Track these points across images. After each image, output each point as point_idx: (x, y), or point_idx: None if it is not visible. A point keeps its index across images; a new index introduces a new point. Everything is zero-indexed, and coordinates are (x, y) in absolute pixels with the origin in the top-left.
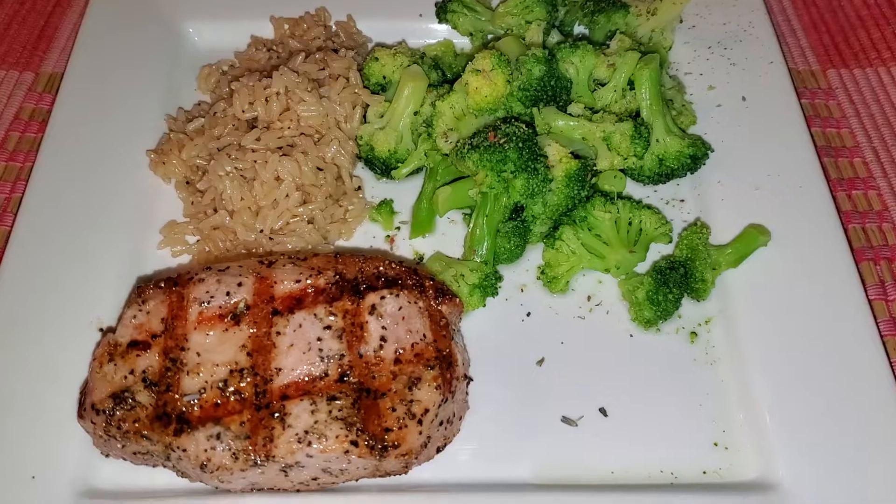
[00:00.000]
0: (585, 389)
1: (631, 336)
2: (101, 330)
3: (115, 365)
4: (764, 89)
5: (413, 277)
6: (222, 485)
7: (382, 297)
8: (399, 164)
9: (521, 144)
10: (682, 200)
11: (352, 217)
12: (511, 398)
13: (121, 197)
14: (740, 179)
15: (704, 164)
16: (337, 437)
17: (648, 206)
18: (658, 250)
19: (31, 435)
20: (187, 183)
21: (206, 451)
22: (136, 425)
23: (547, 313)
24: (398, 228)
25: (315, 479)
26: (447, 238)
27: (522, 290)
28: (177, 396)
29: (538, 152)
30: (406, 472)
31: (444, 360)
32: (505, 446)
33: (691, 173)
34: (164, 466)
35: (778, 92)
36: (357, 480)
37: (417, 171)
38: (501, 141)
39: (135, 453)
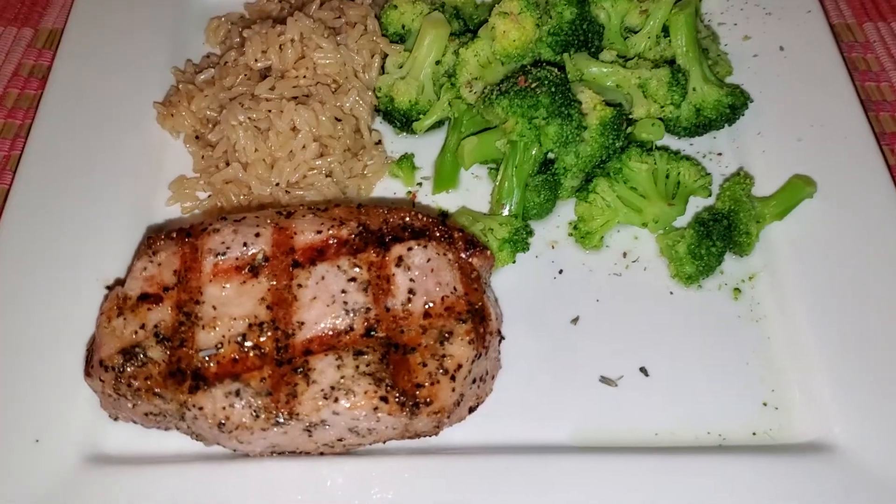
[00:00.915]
0: (624, 348)
1: (671, 293)
2: (107, 288)
3: (125, 319)
4: (802, 39)
5: (441, 228)
6: (241, 446)
7: (410, 249)
8: (420, 116)
9: (553, 89)
10: (720, 154)
11: (371, 172)
12: (545, 357)
13: (126, 152)
14: (781, 130)
15: (743, 114)
16: (365, 392)
17: (687, 157)
18: (696, 205)
19: (34, 396)
20: (197, 137)
21: (224, 408)
22: (149, 382)
23: (580, 270)
24: (420, 184)
25: (341, 440)
26: (472, 194)
27: (553, 247)
28: (192, 352)
29: (571, 97)
30: (437, 434)
31: (476, 314)
32: (541, 407)
33: (729, 125)
34: (178, 429)
35: (817, 41)
36: (385, 442)
37: (439, 124)
38: (533, 85)
39: (146, 414)
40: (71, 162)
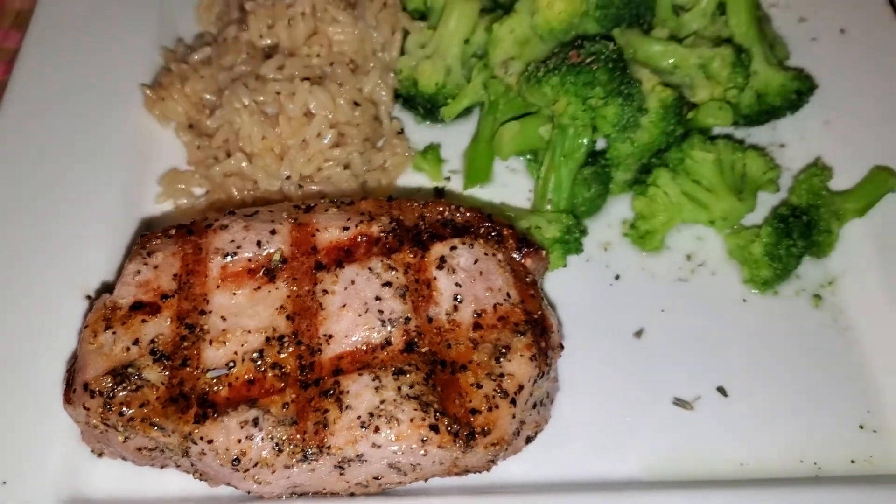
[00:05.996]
0: (698, 365)
1: (744, 301)
2: (89, 298)
3: (115, 333)
4: (864, 21)
5: (487, 225)
6: (257, 488)
7: (453, 248)
8: (448, 101)
9: (611, 65)
10: (783, 146)
11: (393, 165)
12: (608, 377)
13: (109, 143)
14: (852, 118)
15: (808, 101)
16: (412, 420)
17: (753, 147)
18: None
19: (1, 427)
20: (190, 126)
21: (239, 441)
22: (145, 410)
23: (640, 276)
24: (448, 179)
25: (377, 478)
26: (508, 190)
27: (606, 249)
28: (197, 373)
29: (631, 75)
30: (489, 469)
31: (536, 325)
32: (606, 436)
33: (792, 112)
34: (177, 466)
35: (881, 23)
36: (426, 480)
37: (466, 112)
38: (588, 61)
39: (139, 450)
40: (44, 155)
